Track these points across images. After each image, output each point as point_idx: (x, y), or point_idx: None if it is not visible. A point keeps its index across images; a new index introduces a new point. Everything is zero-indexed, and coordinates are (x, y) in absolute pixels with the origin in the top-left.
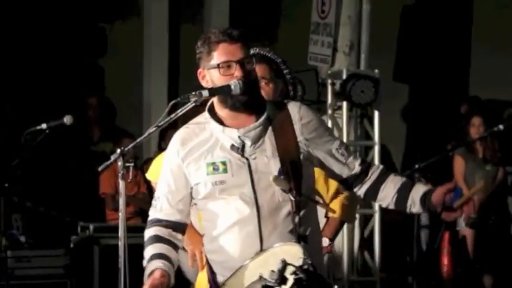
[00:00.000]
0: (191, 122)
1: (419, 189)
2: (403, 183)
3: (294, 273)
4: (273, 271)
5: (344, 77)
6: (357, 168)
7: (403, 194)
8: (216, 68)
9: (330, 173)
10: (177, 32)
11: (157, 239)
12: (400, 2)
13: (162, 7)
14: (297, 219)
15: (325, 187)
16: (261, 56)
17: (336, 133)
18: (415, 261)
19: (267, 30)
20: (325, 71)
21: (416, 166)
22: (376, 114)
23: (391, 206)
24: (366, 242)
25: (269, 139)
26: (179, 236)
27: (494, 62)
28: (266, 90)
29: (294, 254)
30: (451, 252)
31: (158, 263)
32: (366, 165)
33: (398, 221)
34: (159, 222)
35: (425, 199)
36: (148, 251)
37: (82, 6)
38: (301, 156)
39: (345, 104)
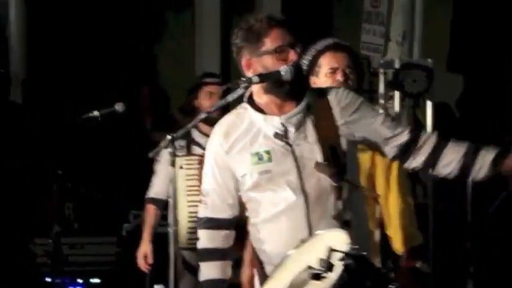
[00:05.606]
0: (229, 113)
1: (489, 152)
2: (469, 147)
3: (342, 259)
4: (321, 259)
5: (396, 66)
6: (405, 136)
7: (469, 158)
8: (269, 54)
9: (379, 150)
10: (229, 22)
11: (212, 254)
12: None
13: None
14: (339, 204)
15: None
16: (342, 44)
17: None
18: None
19: (321, 20)
20: (377, 61)
21: None
22: (429, 104)
23: (454, 173)
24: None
25: (310, 125)
26: (233, 233)
27: None
28: (351, 78)
29: (339, 240)
30: None
31: None
32: (416, 133)
33: (451, 210)
34: (210, 222)
35: (497, 162)
36: (204, 271)
37: None
38: (342, 141)
39: (397, 93)
